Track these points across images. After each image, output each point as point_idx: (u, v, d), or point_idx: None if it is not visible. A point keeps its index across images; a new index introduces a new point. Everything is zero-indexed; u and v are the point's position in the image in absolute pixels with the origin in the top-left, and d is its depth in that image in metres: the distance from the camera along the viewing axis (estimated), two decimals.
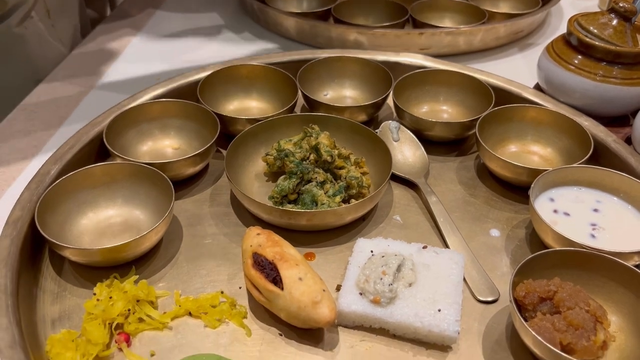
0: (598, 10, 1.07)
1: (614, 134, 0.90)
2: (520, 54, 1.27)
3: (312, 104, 0.97)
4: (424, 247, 0.73)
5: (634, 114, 0.94)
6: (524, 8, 1.39)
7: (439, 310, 0.64)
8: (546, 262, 0.67)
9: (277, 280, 0.64)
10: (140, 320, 0.66)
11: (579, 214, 0.76)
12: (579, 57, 0.95)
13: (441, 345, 0.65)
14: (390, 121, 0.95)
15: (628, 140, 0.91)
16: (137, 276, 0.71)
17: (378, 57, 1.08)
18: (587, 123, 0.91)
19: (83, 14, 1.39)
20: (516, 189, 0.85)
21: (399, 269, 0.68)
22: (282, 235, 0.71)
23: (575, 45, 0.96)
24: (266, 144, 0.89)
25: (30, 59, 1.18)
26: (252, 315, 0.68)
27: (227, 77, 1.01)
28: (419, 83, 1.01)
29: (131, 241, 0.69)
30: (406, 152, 0.92)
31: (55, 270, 0.73)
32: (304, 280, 0.64)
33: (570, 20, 0.98)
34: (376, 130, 0.91)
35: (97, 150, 0.88)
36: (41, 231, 0.69)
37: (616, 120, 0.98)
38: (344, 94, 1.06)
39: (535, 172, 0.79)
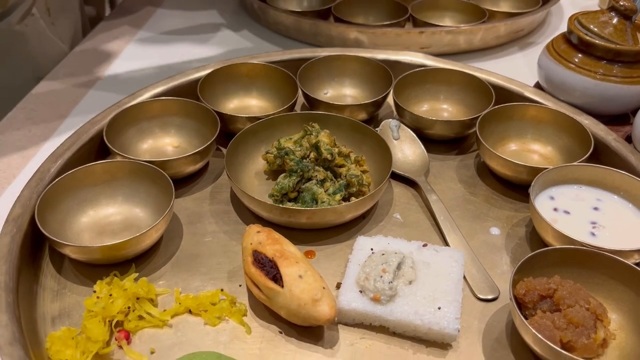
0: (598, 8, 1.07)
1: (614, 132, 0.90)
2: (521, 52, 1.27)
3: (312, 103, 0.97)
4: (424, 245, 0.73)
5: (634, 113, 0.94)
6: (524, 7, 1.39)
7: (439, 308, 0.64)
8: (546, 260, 0.67)
9: (277, 278, 0.64)
10: (140, 317, 0.66)
11: (579, 212, 0.76)
12: (579, 55, 0.95)
13: (441, 343, 0.65)
14: (390, 119, 0.95)
15: (628, 139, 0.91)
16: (137, 274, 0.71)
17: (378, 55, 1.08)
18: (587, 121, 0.91)
19: (82, 12, 1.39)
20: (516, 188, 0.85)
21: (399, 266, 0.68)
22: (282, 234, 0.71)
23: (575, 44, 0.96)
24: (266, 142, 0.89)
25: (30, 57, 1.18)
26: (252, 313, 0.68)
27: (228, 76, 1.01)
28: (419, 82, 1.01)
29: (131, 239, 0.69)
30: (406, 150, 0.92)
31: (55, 267, 0.73)
32: (304, 278, 0.64)
33: (570, 18, 0.98)
34: (376, 129, 0.91)
35: (97, 148, 0.88)
36: (41, 229, 0.69)
37: (616, 119, 0.98)
38: (344, 92, 1.06)
39: (535, 171, 0.79)
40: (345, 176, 0.81)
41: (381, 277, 0.66)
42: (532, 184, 0.76)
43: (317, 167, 0.82)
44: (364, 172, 0.85)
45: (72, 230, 0.75)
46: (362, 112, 0.96)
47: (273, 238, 0.68)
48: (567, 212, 0.76)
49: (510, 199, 0.85)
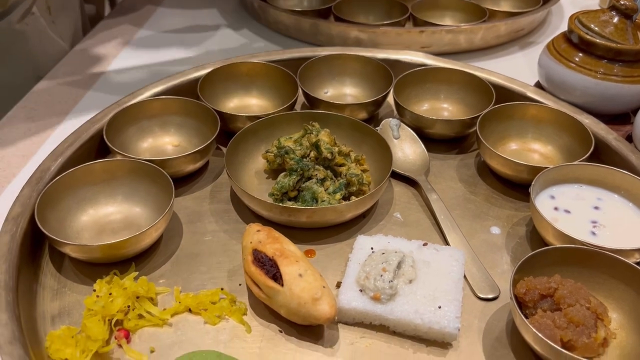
0: (599, 8, 1.07)
1: (614, 131, 0.89)
2: (521, 52, 1.27)
3: (313, 102, 0.97)
4: (425, 244, 0.73)
5: (634, 112, 0.94)
6: (524, 6, 1.39)
7: (439, 307, 0.64)
8: (547, 259, 0.67)
9: (277, 277, 0.64)
10: (140, 316, 0.66)
11: (580, 212, 0.76)
12: (580, 54, 0.95)
13: (441, 342, 0.65)
14: (390, 119, 0.95)
15: (629, 138, 0.91)
16: (137, 273, 0.70)
17: (378, 54, 1.08)
18: (587, 121, 0.91)
19: (83, 11, 1.39)
20: (517, 187, 0.85)
21: (399, 265, 0.68)
22: (282, 233, 0.71)
23: (576, 43, 0.96)
24: (266, 141, 0.89)
25: (31, 56, 1.18)
26: (252, 312, 0.68)
27: (228, 75, 1.01)
28: (419, 81, 1.01)
29: (131, 237, 0.69)
30: (407, 149, 0.92)
31: (55, 266, 0.73)
32: (304, 277, 0.63)
33: (571, 17, 0.98)
34: (377, 128, 0.91)
35: (97, 147, 0.88)
36: (41, 227, 0.69)
37: (617, 118, 0.98)
38: (345, 91, 1.06)
39: (536, 170, 0.79)
40: (346, 175, 0.81)
41: (381, 276, 0.66)
42: (533, 183, 0.76)
43: (317, 166, 0.82)
44: (364, 171, 0.85)
45: (72, 229, 0.75)
46: (363, 111, 0.96)
47: (273, 237, 0.68)
48: (567, 212, 0.76)
49: (511, 198, 0.85)
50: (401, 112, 0.95)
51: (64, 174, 0.76)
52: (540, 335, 0.58)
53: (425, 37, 1.19)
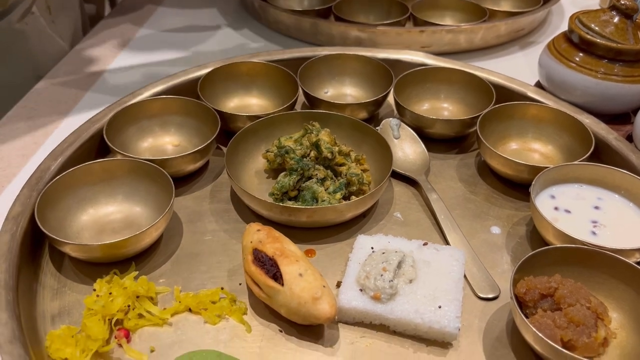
0: (599, 8, 1.07)
1: (615, 131, 0.89)
2: (521, 52, 1.27)
3: (313, 102, 0.97)
4: (425, 244, 0.73)
5: (635, 112, 0.94)
6: (525, 6, 1.39)
7: (440, 307, 0.64)
8: (547, 259, 0.67)
9: (277, 276, 0.64)
10: (140, 316, 0.66)
11: (580, 211, 0.76)
12: (580, 54, 0.95)
13: (442, 342, 0.65)
14: (391, 118, 0.95)
15: (629, 138, 0.91)
16: (137, 272, 0.70)
17: (379, 54, 1.08)
18: (588, 121, 0.91)
19: (83, 10, 1.39)
20: (517, 187, 0.85)
21: (399, 265, 0.68)
22: (283, 232, 0.71)
23: (576, 43, 0.96)
24: (266, 141, 0.89)
25: (31, 55, 1.18)
26: (252, 312, 0.68)
27: (228, 74, 1.01)
28: (419, 81, 1.01)
29: (131, 237, 0.69)
30: (407, 149, 0.91)
31: (55, 266, 0.73)
32: (304, 277, 0.63)
33: (571, 17, 0.98)
34: (377, 128, 0.91)
35: (97, 146, 0.88)
36: (41, 227, 0.69)
37: (617, 118, 0.98)
38: (345, 91, 1.06)
39: (536, 170, 0.79)
40: (346, 175, 0.81)
41: (381, 275, 0.66)
42: (533, 183, 0.76)
43: (317, 166, 0.82)
44: (364, 170, 0.85)
45: (72, 229, 0.75)
46: (363, 111, 0.96)
47: (273, 236, 0.68)
48: (567, 211, 0.76)
49: (511, 197, 0.85)
50: (401, 112, 0.95)
51: (64, 173, 0.76)
52: (540, 335, 0.58)
53: (425, 36, 1.19)
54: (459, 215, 0.81)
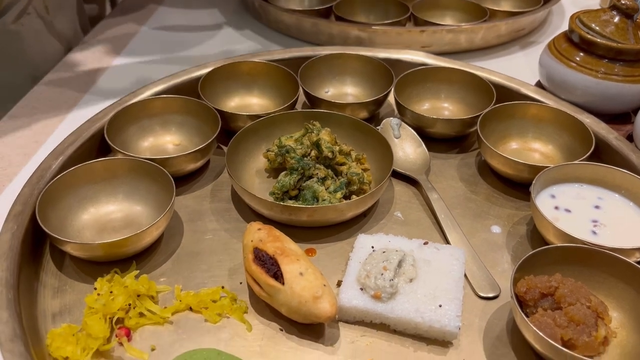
0: (600, 7, 1.07)
1: (615, 131, 0.90)
2: (522, 52, 1.27)
3: (314, 101, 0.97)
4: (425, 243, 0.73)
5: (635, 112, 0.94)
6: (525, 6, 1.39)
7: (440, 306, 0.64)
8: (547, 258, 0.67)
9: (278, 275, 0.64)
10: (141, 314, 0.66)
11: (580, 211, 0.76)
12: (581, 54, 0.95)
13: (442, 341, 0.65)
14: (391, 118, 0.95)
15: (629, 138, 0.91)
16: (138, 271, 0.70)
17: (379, 54, 1.08)
18: (588, 120, 0.91)
19: (82, 10, 1.39)
20: (517, 186, 0.85)
21: (399, 264, 0.68)
22: (283, 231, 0.71)
23: (577, 43, 0.96)
24: (267, 140, 0.89)
25: (27, 56, 1.17)
26: (252, 311, 0.68)
27: (229, 74, 1.01)
28: (420, 80, 1.01)
29: (132, 236, 0.69)
30: (407, 148, 0.92)
31: (56, 264, 0.73)
32: (305, 275, 0.63)
33: (572, 17, 0.98)
34: (377, 127, 0.91)
35: (98, 145, 0.88)
36: (42, 226, 0.69)
37: (618, 118, 0.98)
38: (345, 91, 1.06)
39: (536, 169, 0.79)
40: (346, 174, 0.81)
41: (382, 274, 0.66)
42: (533, 182, 0.76)
43: (318, 165, 0.82)
44: (364, 170, 0.85)
45: (73, 228, 0.75)
46: (363, 110, 0.96)
47: (274, 235, 0.68)
48: (568, 211, 0.76)
49: (511, 197, 0.85)
50: (402, 112, 0.95)
51: (65, 172, 0.76)
52: (540, 334, 0.58)
53: (425, 36, 1.19)
54: (460, 214, 0.82)
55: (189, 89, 0.97)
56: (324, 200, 0.78)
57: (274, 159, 0.84)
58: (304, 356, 0.63)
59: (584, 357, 0.57)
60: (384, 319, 0.65)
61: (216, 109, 0.89)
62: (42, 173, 0.79)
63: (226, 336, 0.65)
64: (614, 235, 0.73)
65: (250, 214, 0.81)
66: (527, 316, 0.63)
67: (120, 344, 0.64)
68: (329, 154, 0.82)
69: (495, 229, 0.80)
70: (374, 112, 0.99)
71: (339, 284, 0.71)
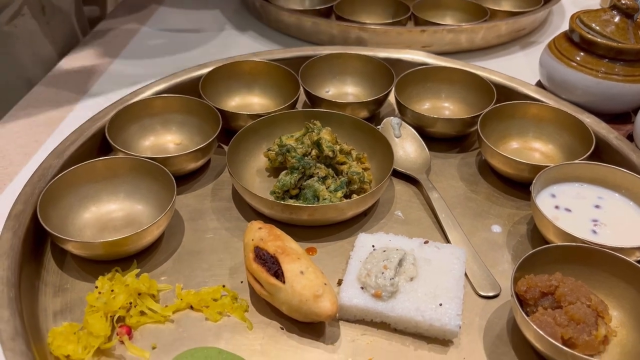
0: (600, 7, 1.07)
1: (615, 130, 0.90)
2: (522, 51, 1.27)
3: (314, 101, 0.97)
4: (426, 242, 0.73)
5: (635, 111, 0.94)
6: (525, 6, 1.39)
7: (440, 305, 0.65)
8: (547, 257, 0.67)
9: (278, 274, 0.64)
10: (142, 313, 0.66)
11: (581, 210, 0.76)
12: (581, 54, 0.95)
13: (442, 340, 0.65)
14: (392, 117, 0.95)
15: (630, 137, 0.91)
16: (139, 270, 0.71)
17: (380, 54, 1.08)
18: (589, 120, 0.91)
19: (80, 11, 1.38)
20: (517, 185, 0.86)
21: (400, 263, 0.68)
22: (284, 230, 0.71)
23: (577, 42, 0.96)
24: (268, 139, 0.89)
25: (20, 58, 1.16)
26: (253, 309, 0.68)
27: (229, 73, 1.01)
28: (420, 80, 1.01)
29: (133, 235, 0.69)
30: (408, 148, 0.92)
31: (57, 263, 0.73)
32: (306, 274, 0.64)
33: (572, 17, 0.98)
34: (378, 127, 0.91)
35: (99, 144, 0.88)
36: (43, 224, 0.69)
37: (618, 117, 0.98)
38: (346, 90, 1.07)
39: (537, 169, 0.79)
40: (347, 173, 0.82)
41: (382, 273, 0.66)
42: (534, 181, 0.76)
43: (318, 165, 0.82)
44: (365, 169, 0.85)
45: (74, 227, 0.75)
46: (364, 110, 0.96)
47: (275, 234, 0.68)
48: (568, 210, 0.76)
49: (512, 196, 0.85)
50: (402, 111, 0.95)
51: (66, 171, 0.76)
52: (541, 332, 0.58)
53: (426, 36, 1.19)
54: (460, 213, 0.82)
55: (190, 89, 0.97)
56: (325, 199, 0.78)
57: (274, 158, 0.85)
58: (305, 355, 0.64)
59: (584, 356, 0.57)
60: (385, 318, 0.66)
61: (217, 108, 0.89)
62: (44, 172, 0.79)
63: (227, 335, 0.65)
64: (614, 234, 0.73)
65: (251, 213, 0.81)
66: (528, 315, 0.63)
67: (122, 342, 0.64)
68: (330, 153, 0.82)
69: (496, 228, 0.80)
70: (374, 112, 0.99)
71: (339, 282, 0.71)
